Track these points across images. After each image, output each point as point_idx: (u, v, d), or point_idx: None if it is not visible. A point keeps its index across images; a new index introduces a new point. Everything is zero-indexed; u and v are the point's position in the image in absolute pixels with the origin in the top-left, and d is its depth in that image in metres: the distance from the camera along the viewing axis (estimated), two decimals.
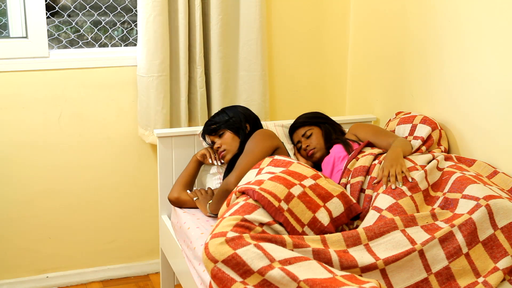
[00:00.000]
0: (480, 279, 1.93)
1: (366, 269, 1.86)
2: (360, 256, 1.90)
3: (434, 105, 2.77)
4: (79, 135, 3.09)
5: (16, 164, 3.02)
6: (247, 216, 1.94)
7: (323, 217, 2.06)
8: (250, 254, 1.77)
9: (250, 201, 2.03)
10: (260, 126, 2.76)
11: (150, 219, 3.24)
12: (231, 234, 1.85)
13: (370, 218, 2.11)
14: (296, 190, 2.07)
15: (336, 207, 2.11)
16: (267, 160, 2.29)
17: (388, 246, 1.94)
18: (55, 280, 3.22)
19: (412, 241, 1.95)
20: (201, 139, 2.79)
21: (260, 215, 1.97)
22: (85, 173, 3.14)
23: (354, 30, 3.37)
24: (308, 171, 2.19)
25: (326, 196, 2.11)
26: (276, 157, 2.29)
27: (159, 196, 2.90)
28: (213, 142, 2.71)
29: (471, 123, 2.56)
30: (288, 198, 2.04)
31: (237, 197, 2.13)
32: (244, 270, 1.76)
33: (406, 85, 2.96)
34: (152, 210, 3.21)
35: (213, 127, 2.68)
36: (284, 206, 2.01)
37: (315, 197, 2.09)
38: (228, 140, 2.64)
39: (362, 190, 2.33)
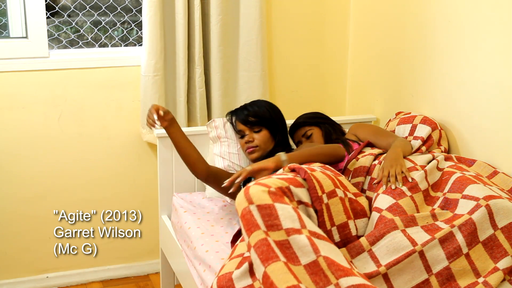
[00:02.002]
0: (480, 279, 1.93)
1: (369, 277, 1.87)
2: (364, 267, 1.91)
3: (434, 105, 2.77)
4: (79, 135, 3.09)
5: (16, 164, 3.02)
6: (292, 188, 1.93)
7: (353, 227, 2.05)
8: (286, 213, 1.78)
9: (299, 178, 2.00)
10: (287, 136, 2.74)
11: (150, 219, 3.24)
12: (274, 190, 1.85)
13: (371, 220, 2.11)
14: (340, 193, 2.06)
15: (362, 227, 2.10)
16: (319, 164, 2.27)
17: (389, 248, 1.94)
18: (55, 280, 3.22)
19: (413, 241, 1.95)
20: (227, 119, 2.73)
21: (302, 193, 1.95)
22: (85, 173, 3.14)
23: (354, 30, 3.37)
24: (352, 188, 2.19)
25: (360, 213, 2.10)
26: (328, 166, 2.28)
27: (159, 196, 2.90)
28: (240, 131, 2.63)
29: (471, 123, 2.56)
30: (331, 194, 2.02)
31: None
32: (272, 223, 1.76)
33: (406, 85, 2.96)
34: (152, 210, 3.21)
35: (252, 120, 2.59)
36: (324, 199, 2.00)
37: (351, 210, 2.08)
38: (264, 138, 2.59)
39: (362, 191, 2.33)
